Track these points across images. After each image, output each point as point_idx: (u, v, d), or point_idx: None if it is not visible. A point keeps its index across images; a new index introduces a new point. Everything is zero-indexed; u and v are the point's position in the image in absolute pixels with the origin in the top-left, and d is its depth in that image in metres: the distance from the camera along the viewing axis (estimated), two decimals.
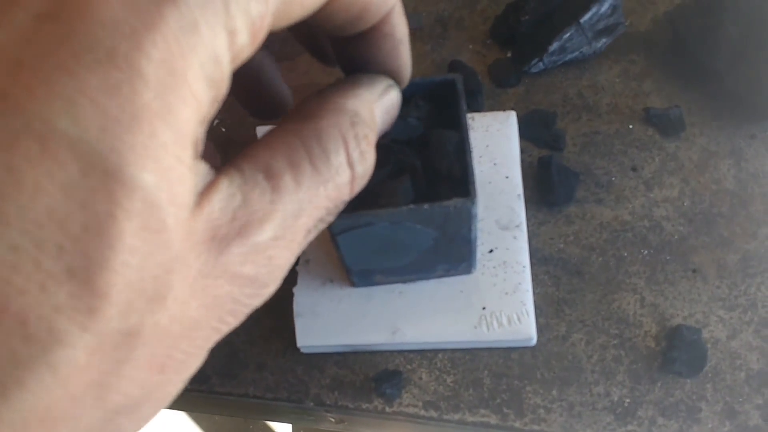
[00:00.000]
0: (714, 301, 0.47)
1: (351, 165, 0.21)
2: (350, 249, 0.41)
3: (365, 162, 0.22)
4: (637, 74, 0.55)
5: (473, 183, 0.38)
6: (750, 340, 0.46)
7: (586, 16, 0.51)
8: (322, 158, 0.20)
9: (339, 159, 0.21)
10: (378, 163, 0.40)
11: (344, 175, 0.21)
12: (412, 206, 0.37)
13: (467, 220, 0.39)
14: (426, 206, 0.37)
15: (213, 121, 0.57)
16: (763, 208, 0.49)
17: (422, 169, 0.40)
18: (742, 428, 0.43)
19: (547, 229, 0.50)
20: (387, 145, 0.41)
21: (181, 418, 1.24)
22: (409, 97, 0.41)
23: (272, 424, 1.25)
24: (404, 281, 0.47)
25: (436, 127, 0.41)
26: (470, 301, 0.47)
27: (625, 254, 0.49)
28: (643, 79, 0.54)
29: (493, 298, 0.47)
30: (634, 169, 0.51)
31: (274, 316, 0.49)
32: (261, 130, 0.54)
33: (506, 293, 0.47)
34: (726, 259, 0.48)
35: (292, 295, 0.49)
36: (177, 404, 0.55)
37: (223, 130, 0.56)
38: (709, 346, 0.46)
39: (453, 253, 0.44)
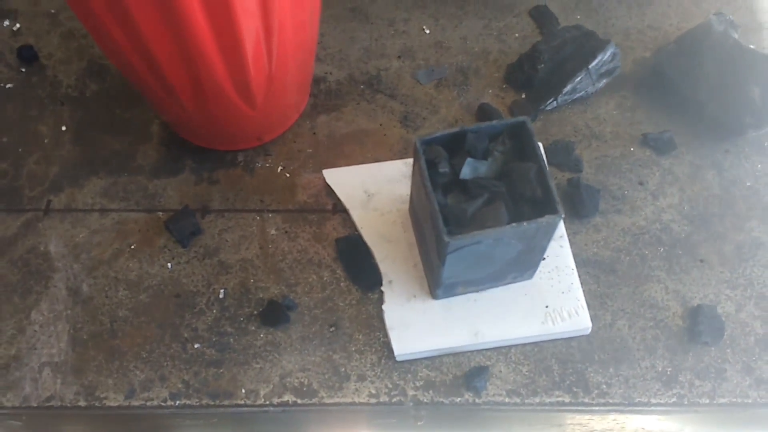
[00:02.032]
0: (720, 283, 0.59)
1: None
2: (453, 265, 0.50)
3: None
4: (629, 107, 0.67)
5: (558, 202, 0.48)
6: (753, 311, 0.58)
7: (594, 63, 0.63)
8: None
9: None
10: (473, 195, 0.50)
11: None
12: (514, 224, 0.47)
13: (551, 232, 0.49)
14: (525, 223, 0.47)
15: (277, 168, 0.64)
16: (745, 207, 0.62)
17: (508, 195, 0.50)
18: (759, 380, 0.55)
19: (581, 238, 0.60)
20: (478, 179, 0.50)
21: None
22: (494, 136, 0.51)
23: None
24: (478, 290, 0.56)
25: (512, 157, 0.51)
26: (534, 302, 0.56)
27: (647, 252, 0.60)
28: (635, 110, 0.67)
29: (553, 297, 0.56)
30: (641, 183, 0.63)
31: (366, 332, 0.57)
32: (328, 174, 0.62)
33: (562, 292, 0.57)
34: (723, 249, 0.60)
35: (379, 312, 0.57)
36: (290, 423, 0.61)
37: (287, 175, 0.64)
38: (723, 319, 0.57)
39: (527, 261, 0.53)
